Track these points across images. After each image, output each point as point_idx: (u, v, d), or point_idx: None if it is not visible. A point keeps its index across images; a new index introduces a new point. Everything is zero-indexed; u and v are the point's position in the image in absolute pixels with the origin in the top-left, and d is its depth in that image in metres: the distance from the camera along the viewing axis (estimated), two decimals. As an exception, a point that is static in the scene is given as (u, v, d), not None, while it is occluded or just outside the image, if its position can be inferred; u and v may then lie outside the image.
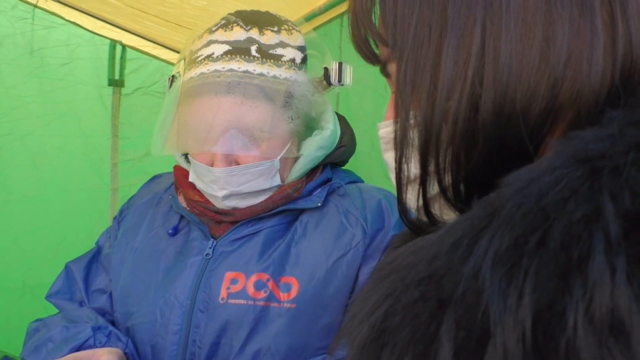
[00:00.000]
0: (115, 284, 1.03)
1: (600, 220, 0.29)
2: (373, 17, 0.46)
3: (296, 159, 0.99)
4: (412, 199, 0.45)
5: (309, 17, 1.81)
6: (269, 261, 0.93)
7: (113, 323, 1.02)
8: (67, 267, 1.11)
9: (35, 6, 2.26)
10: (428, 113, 0.40)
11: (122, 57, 2.50)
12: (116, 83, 2.47)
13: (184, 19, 2.06)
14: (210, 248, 0.96)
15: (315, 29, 1.84)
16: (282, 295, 0.91)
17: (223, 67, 0.90)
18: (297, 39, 0.97)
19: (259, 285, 0.92)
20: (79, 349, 0.91)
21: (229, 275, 0.93)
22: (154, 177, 1.21)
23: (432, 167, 0.41)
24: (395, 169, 0.44)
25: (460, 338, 0.31)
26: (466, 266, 0.32)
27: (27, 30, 2.31)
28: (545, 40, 0.36)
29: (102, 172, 2.44)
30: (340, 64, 0.97)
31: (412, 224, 0.47)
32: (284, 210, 0.97)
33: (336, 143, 1.02)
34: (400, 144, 0.43)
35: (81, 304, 1.07)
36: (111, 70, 2.48)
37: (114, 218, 1.14)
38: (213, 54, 0.92)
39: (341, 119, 1.07)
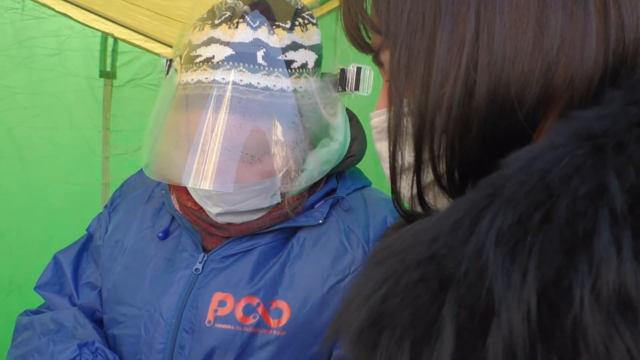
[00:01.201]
0: (104, 282, 0.99)
1: (605, 196, 0.29)
2: (365, 4, 0.45)
3: (299, 172, 0.90)
4: (406, 187, 0.44)
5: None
6: (260, 283, 0.88)
7: (102, 321, 1.00)
8: (56, 258, 1.08)
9: (25, -4, 2.20)
10: (422, 100, 0.40)
11: (114, 50, 2.45)
12: (108, 75, 2.42)
13: (176, 12, 2.02)
14: (200, 263, 0.91)
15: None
16: (272, 322, 0.86)
17: (223, 79, 0.81)
18: (312, 36, 0.88)
19: (248, 310, 0.87)
20: None
21: (217, 296, 0.88)
22: None
23: (426, 155, 0.41)
24: (389, 158, 0.43)
25: (462, 318, 0.31)
26: (468, 245, 0.32)
27: (17, 20, 2.26)
28: (538, 26, 0.37)
29: (93, 166, 2.39)
30: (359, 69, 0.85)
31: (406, 214, 0.47)
32: (281, 228, 0.91)
33: (344, 155, 0.93)
34: (394, 133, 0.43)
35: (70, 298, 1.04)
36: (102, 62, 2.43)
37: (105, 207, 1.08)
38: (213, 57, 0.82)
39: (352, 120, 0.97)
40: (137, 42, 2.40)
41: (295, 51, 0.85)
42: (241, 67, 0.81)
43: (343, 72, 0.86)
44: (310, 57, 0.87)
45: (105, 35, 2.44)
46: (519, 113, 0.37)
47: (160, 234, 0.96)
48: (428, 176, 0.42)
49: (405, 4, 0.40)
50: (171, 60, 0.91)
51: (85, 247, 1.08)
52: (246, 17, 0.83)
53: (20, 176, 2.26)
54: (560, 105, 0.37)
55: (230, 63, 0.81)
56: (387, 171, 0.48)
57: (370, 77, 0.86)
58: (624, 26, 0.37)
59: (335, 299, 0.87)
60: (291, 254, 0.90)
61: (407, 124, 0.41)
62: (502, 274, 0.30)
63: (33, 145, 2.27)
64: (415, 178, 0.43)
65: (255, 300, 0.87)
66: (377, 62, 0.47)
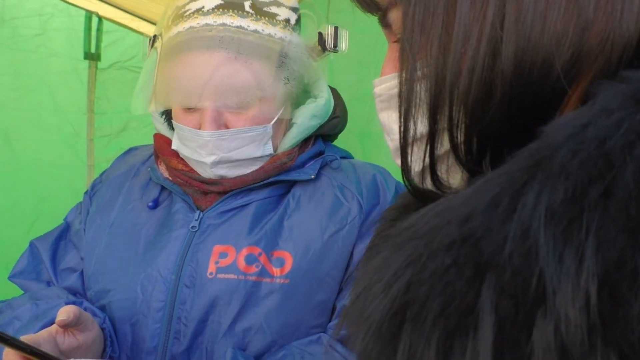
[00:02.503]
0: (88, 260, 0.96)
1: None
2: None
3: (289, 128, 0.95)
4: (417, 160, 0.40)
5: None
6: (260, 234, 0.89)
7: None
8: (32, 245, 1.05)
9: (6, -26, 2.16)
10: (440, 61, 0.36)
11: (99, 30, 2.40)
12: (92, 57, 2.38)
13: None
14: (196, 220, 0.91)
15: (300, -1, 1.78)
16: (275, 270, 0.87)
17: (215, 21, 0.85)
18: (290, 2, 0.93)
19: (250, 260, 0.87)
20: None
21: (217, 248, 0.88)
22: (130, 149, 1.14)
23: (442, 123, 0.37)
24: (400, 127, 0.39)
25: (505, 308, 0.28)
26: (511, 225, 0.28)
27: (-2, -2, 2.21)
28: None
29: (77, 148, 2.34)
30: (336, 28, 0.93)
31: (416, 189, 0.43)
32: (275, 182, 0.92)
33: (330, 113, 0.98)
34: (406, 99, 0.39)
35: (49, 284, 1.00)
36: (87, 43, 2.38)
37: (85, 192, 1.07)
38: (203, 7, 0.86)
39: (333, 91, 1.02)
40: (123, 21, 2.37)
41: (277, 7, 0.90)
42: (231, 13, 0.86)
43: (320, 35, 0.93)
44: (291, 16, 0.92)
45: (89, 14, 2.40)
46: (550, 78, 0.34)
47: (150, 204, 0.96)
48: (443, 146, 0.39)
49: None
50: (155, 36, 0.93)
51: (63, 235, 1.06)
52: None
53: (6, 157, 2.21)
54: (594, 71, 0.34)
55: (220, 10, 0.86)
56: (393, 143, 0.45)
57: (347, 37, 0.94)
58: None
59: (335, 248, 0.89)
60: (288, 208, 0.92)
61: (421, 89, 0.38)
62: (554, 258, 0.27)
63: (18, 126, 2.22)
64: (428, 149, 0.40)
65: (257, 250, 0.87)
66: (384, 22, 0.44)
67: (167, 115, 1.00)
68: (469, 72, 0.35)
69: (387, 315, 0.32)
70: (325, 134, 1.04)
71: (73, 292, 0.98)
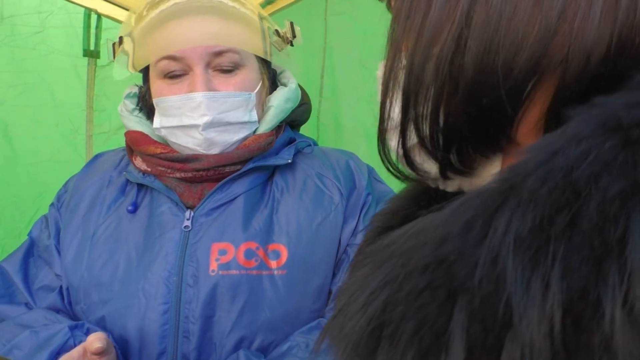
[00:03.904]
0: (72, 275, 0.95)
1: (638, 197, 0.26)
2: None
3: (266, 111, 1.00)
4: (394, 146, 0.42)
5: (294, -13, 1.77)
6: (255, 230, 0.92)
7: (71, 319, 0.95)
8: (0, 267, 1.02)
9: (4, -29, 2.16)
10: (414, 52, 0.37)
11: (98, 27, 2.41)
12: (91, 54, 2.39)
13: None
14: (188, 220, 0.92)
15: (297, 0, 1.80)
16: (272, 263, 0.90)
17: None
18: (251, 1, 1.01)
19: (249, 254, 0.90)
20: (59, 353, 0.83)
21: (216, 246, 0.90)
22: (96, 156, 1.13)
23: (411, 114, 0.39)
24: (380, 111, 0.41)
25: (474, 332, 0.29)
26: (481, 250, 0.29)
27: (-4, -4, 2.22)
28: None
29: (76, 144, 2.37)
30: (291, 23, 1.01)
31: (396, 170, 0.45)
32: (254, 170, 0.95)
33: (300, 99, 1.05)
34: (386, 85, 0.40)
35: (27, 305, 0.97)
36: (86, 41, 2.39)
37: (51, 205, 1.05)
38: None
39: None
40: (122, 19, 2.37)
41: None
42: None
43: (277, 31, 1.01)
44: (254, 9, 0.99)
45: (88, 12, 2.41)
46: (509, 80, 0.34)
47: (129, 207, 0.97)
48: (412, 137, 0.40)
49: None
50: (121, 39, 0.96)
51: (29, 252, 1.03)
52: None
53: (6, 153, 2.23)
54: (551, 87, 0.35)
55: None
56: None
57: (299, 31, 1.01)
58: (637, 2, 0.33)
59: (324, 235, 0.94)
60: (274, 202, 0.95)
61: (400, 78, 0.39)
62: (521, 285, 0.27)
63: (18, 123, 2.24)
64: (401, 137, 0.41)
65: (254, 245, 0.91)
66: (390, 6, 0.44)
67: (142, 109, 1.04)
68: (435, 67, 0.36)
69: (364, 333, 0.33)
70: (292, 123, 1.09)
71: (55, 310, 0.97)
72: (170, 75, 0.93)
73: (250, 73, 0.95)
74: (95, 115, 2.41)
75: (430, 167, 0.42)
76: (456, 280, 0.30)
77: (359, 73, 1.47)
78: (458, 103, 0.36)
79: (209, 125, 0.90)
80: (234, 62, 0.93)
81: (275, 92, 1.02)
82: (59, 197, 1.06)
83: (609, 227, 0.26)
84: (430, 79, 0.37)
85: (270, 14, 2.00)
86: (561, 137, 0.30)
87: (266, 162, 0.96)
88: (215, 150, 0.93)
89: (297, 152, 1.02)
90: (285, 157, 0.98)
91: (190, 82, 0.91)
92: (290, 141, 1.05)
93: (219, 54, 0.91)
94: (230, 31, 0.91)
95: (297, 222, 0.93)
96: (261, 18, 1.00)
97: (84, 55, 2.39)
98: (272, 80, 1.05)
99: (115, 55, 1.01)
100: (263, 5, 1.97)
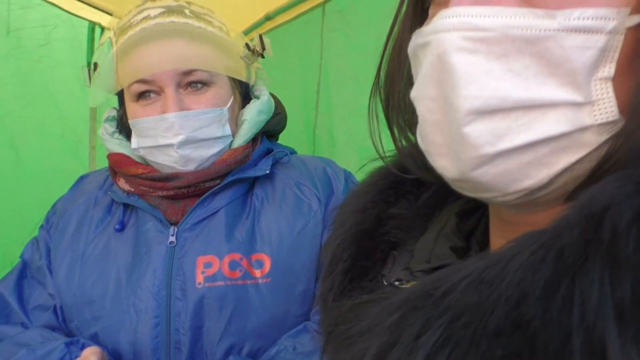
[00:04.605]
0: (64, 294, 0.98)
1: None
2: None
3: (240, 125, 1.02)
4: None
5: (292, 5, 1.83)
6: (237, 241, 0.95)
7: (66, 337, 0.97)
8: None
9: (12, -15, 2.21)
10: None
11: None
12: (95, 66, 2.44)
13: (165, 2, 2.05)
14: (172, 235, 0.95)
15: (297, 16, 1.87)
16: (256, 272, 0.94)
17: (164, 21, 0.93)
18: (219, 18, 1.04)
19: (233, 265, 0.94)
20: None
21: (201, 259, 0.94)
22: (81, 177, 1.16)
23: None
24: (383, 97, 0.44)
25: None
26: (572, 318, 0.26)
27: (3, 10, 2.26)
28: None
29: (80, 154, 2.43)
30: (260, 36, 1.04)
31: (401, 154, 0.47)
32: (233, 182, 0.98)
33: (273, 110, 1.07)
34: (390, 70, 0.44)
35: (23, 325, 1.00)
36: (90, 53, 2.45)
37: (40, 227, 1.08)
38: (149, 15, 0.94)
39: (270, 94, 1.12)
40: (125, 33, 2.43)
41: (211, 17, 1.01)
42: (175, 15, 0.95)
43: (247, 45, 1.04)
44: (223, 25, 1.02)
45: (92, 25, 2.47)
46: None
47: (117, 226, 0.99)
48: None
49: None
50: (95, 64, 1.01)
51: (23, 274, 1.05)
52: None
53: (12, 163, 2.28)
54: None
55: (166, 14, 0.95)
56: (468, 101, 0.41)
57: (269, 44, 1.04)
58: None
59: (305, 242, 0.97)
60: (255, 212, 0.98)
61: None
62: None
63: (23, 133, 2.29)
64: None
65: (238, 256, 0.94)
66: None
67: (121, 131, 1.06)
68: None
69: None
70: (269, 134, 1.12)
71: (51, 328, 0.99)
72: (144, 97, 0.96)
73: (221, 89, 0.98)
74: (99, 126, 2.43)
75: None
76: (540, 349, 0.27)
77: (352, 89, 1.52)
78: None
79: (184, 143, 0.93)
80: (204, 80, 0.95)
81: (248, 105, 1.04)
82: (47, 219, 1.08)
83: None
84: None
85: (269, 31, 2.05)
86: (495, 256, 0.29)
87: (244, 174, 0.99)
88: (192, 166, 0.96)
89: (276, 162, 1.05)
90: (263, 168, 1.00)
91: (163, 103, 0.93)
92: (268, 152, 1.07)
93: (188, 73, 0.94)
94: (196, 52, 0.93)
95: (278, 231, 0.96)
96: (229, 33, 1.03)
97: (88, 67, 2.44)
98: (245, 94, 1.07)
99: (90, 80, 1.04)
100: (262, 22, 2.04)
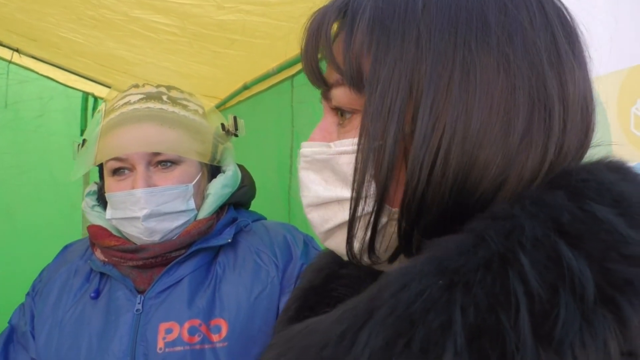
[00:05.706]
0: (44, 358, 1.05)
1: (451, 329, 0.34)
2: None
3: (205, 198, 1.10)
4: (360, 235, 0.47)
5: (264, 77, 1.95)
6: (198, 308, 1.01)
7: None
8: None
9: (10, 62, 2.35)
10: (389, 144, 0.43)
11: (95, 109, 2.60)
12: (84, 142, 2.55)
13: (152, 77, 2.18)
14: (139, 304, 1.01)
15: (269, 88, 1.99)
16: (214, 337, 0.99)
17: (141, 106, 1.03)
18: (197, 101, 1.14)
19: (192, 331, 0.99)
20: None
21: (163, 326, 1.00)
22: (66, 247, 1.24)
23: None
24: (353, 198, 0.45)
25: None
26: (348, 357, 0.37)
27: (2, 85, 2.40)
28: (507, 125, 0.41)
29: (73, 218, 2.52)
30: (234, 117, 1.14)
31: (354, 257, 0.50)
32: (198, 251, 1.05)
33: (239, 183, 1.15)
34: (362, 169, 0.44)
35: None
36: (83, 122, 2.58)
37: (27, 294, 1.16)
38: (129, 100, 1.05)
39: (240, 167, 1.20)
40: (116, 103, 2.55)
41: (187, 101, 1.10)
42: (153, 101, 1.05)
43: (223, 125, 1.13)
44: (199, 108, 1.12)
45: (85, 95, 2.61)
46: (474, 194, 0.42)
47: (92, 294, 1.06)
48: (381, 222, 0.46)
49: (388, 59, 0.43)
50: (84, 141, 1.11)
51: (10, 339, 1.11)
52: (149, 84, 1.09)
53: (8, 229, 2.37)
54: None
55: (144, 100, 1.04)
56: (306, 199, 0.51)
57: (243, 124, 1.15)
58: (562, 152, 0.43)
59: (262, 306, 1.03)
60: (216, 279, 1.05)
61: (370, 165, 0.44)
62: None
63: (19, 200, 2.39)
64: (372, 220, 0.45)
65: (197, 322, 1.00)
66: (326, 96, 0.50)
67: (100, 202, 1.14)
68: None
69: None
70: (237, 203, 1.19)
71: None
72: (119, 173, 1.04)
73: (189, 167, 1.05)
74: (91, 190, 2.56)
75: (384, 253, 0.48)
76: None
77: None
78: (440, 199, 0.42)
79: (149, 216, 0.99)
80: (172, 159, 1.03)
81: (213, 180, 1.11)
82: (34, 287, 1.15)
83: (431, 350, 0.34)
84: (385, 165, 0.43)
85: (247, 98, 2.18)
86: (412, 271, 0.38)
87: (208, 243, 1.05)
88: (157, 237, 1.02)
89: (240, 230, 1.11)
90: (225, 237, 1.06)
91: (134, 179, 1.01)
92: (233, 221, 1.13)
93: (158, 154, 1.02)
94: (165, 137, 1.01)
95: (236, 297, 1.02)
96: (205, 115, 1.12)
97: (81, 134, 2.55)
98: (215, 167, 1.14)
99: (77, 155, 1.14)
100: (240, 91, 2.16)
